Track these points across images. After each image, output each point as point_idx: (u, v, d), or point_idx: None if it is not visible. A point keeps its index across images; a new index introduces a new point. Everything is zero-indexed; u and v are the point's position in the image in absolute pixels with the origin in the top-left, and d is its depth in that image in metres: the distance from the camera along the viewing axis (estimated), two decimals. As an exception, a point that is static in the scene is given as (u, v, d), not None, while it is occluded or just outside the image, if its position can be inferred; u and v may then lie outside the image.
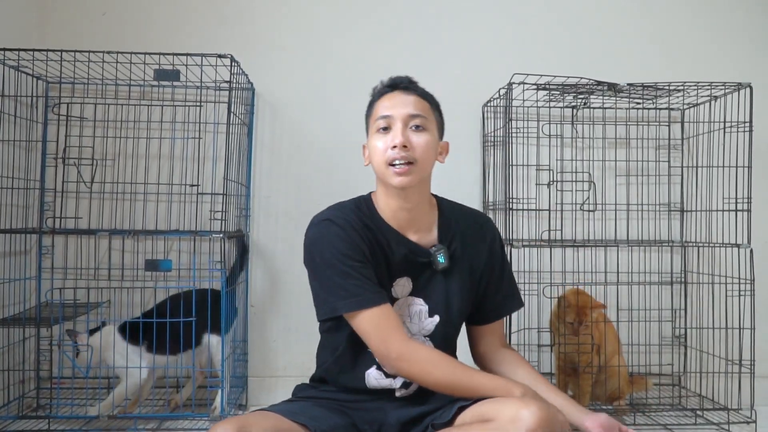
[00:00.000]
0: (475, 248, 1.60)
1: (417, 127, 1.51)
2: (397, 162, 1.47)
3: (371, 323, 1.44)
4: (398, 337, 1.43)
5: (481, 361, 1.67)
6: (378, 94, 1.58)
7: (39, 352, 2.40)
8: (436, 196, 1.66)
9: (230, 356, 2.35)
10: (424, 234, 1.58)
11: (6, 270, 2.26)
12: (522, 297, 1.74)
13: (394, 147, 1.47)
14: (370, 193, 1.62)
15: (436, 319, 1.56)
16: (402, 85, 1.56)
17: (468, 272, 1.59)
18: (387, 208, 1.56)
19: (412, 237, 1.56)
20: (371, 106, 1.59)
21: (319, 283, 1.50)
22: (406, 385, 1.55)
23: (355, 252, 1.48)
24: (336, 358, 1.58)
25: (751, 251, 2.30)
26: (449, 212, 1.63)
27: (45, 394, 2.39)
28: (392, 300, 1.54)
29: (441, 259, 1.54)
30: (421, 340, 1.55)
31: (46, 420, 2.13)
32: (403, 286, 1.56)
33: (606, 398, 2.34)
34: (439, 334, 1.56)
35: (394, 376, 1.54)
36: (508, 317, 2.24)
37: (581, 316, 2.19)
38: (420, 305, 1.55)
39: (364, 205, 1.58)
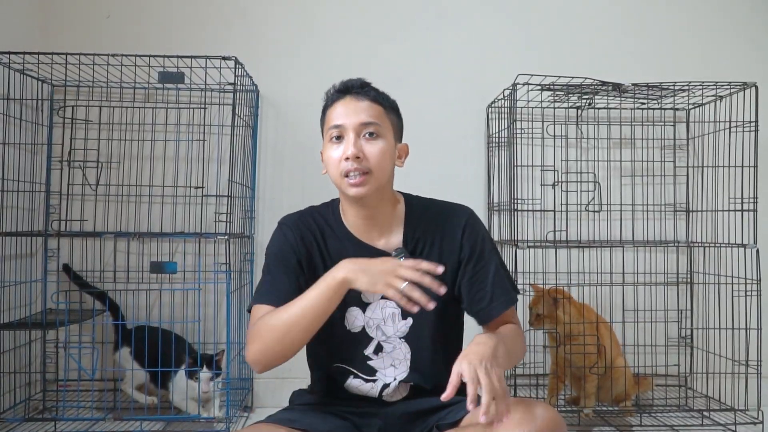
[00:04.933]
0: (446, 244, 1.54)
1: (371, 134, 1.46)
2: (351, 174, 1.45)
3: (251, 318, 1.46)
4: (249, 337, 1.43)
5: None
6: (329, 100, 1.52)
7: (45, 354, 2.41)
8: (405, 195, 1.61)
9: (235, 358, 2.36)
10: (390, 237, 1.54)
11: (12, 273, 2.27)
12: (513, 290, 1.56)
13: (347, 159, 1.44)
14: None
15: (410, 321, 1.53)
16: (354, 89, 1.50)
17: None
18: (349, 214, 1.54)
19: (377, 242, 1.53)
20: (324, 112, 1.54)
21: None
22: (384, 387, 1.53)
23: (285, 255, 1.51)
24: (317, 373, 1.59)
25: (758, 251, 2.29)
26: (419, 210, 1.57)
27: (51, 396, 2.40)
28: (364, 305, 1.53)
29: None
30: (397, 342, 1.53)
31: (52, 422, 2.14)
32: (372, 292, 1.51)
33: (612, 400, 2.34)
34: (413, 334, 1.53)
35: (374, 381, 1.53)
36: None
37: (535, 303, 2.27)
38: (393, 308, 1.52)
39: (330, 210, 1.58)
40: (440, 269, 1.35)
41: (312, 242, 1.52)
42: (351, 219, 1.54)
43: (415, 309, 1.34)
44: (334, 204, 1.60)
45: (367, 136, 1.46)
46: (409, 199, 1.61)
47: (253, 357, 1.41)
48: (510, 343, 1.43)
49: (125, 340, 2.27)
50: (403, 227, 1.55)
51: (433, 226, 1.55)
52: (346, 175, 1.45)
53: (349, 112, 1.47)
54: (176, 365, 2.16)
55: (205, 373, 2.12)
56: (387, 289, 1.33)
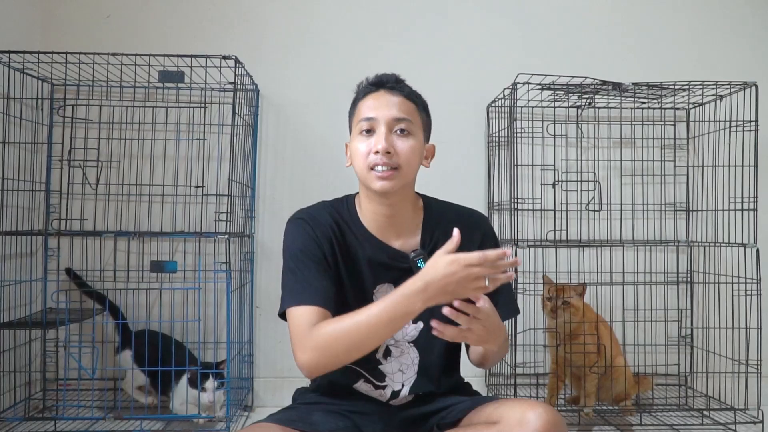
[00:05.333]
0: (464, 249, 1.47)
1: (402, 131, 1.43)
2: (379, 167, 1.42)
3: (293, 322, 1.40)
4: (303, 342, 1.36)
5: (477, 360, 1.59)
6: (362, 92, 1.50)
7: (45, 353, 2.41)
8: (424, 197, 1.59)
9: (235, 358, 2.36)
10: (407, 238, 1.52)
11: (12, 272, 2.27)
12: (517, 305, 1.63)
13: (377, 152, 1.42)
14: (356, 193, 1.57)
15: (420, 325, 1.51)
16: (388, 84, 1.48)
17: None
18: (367, 211, 1.51)
19: (394, 241, 1.51)
20: (355, 104, 1.52)
21: (282, 279, 1.48)
22: (395, 394, 1.53)
23: (312, 250, 1.45)
24: (323, 375, 1.56)
25: (758, 251, 2.29)
26: (437, 213, 1.56)
27: (51, 395, 2.40)
28: None
29: (420, 264, 1.45)
30: (406, 346, 1.52)
31: (52, 421, 2.14)
32: (385, 292, 1.49)
33: (612, 399, 2.34)
34: (423, 340, 1.52)
35: (383, 388, 1.52)
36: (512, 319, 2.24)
37: (559, 292, 2.24)
38: None
39: (345, 206, 1.55)
40: (508, 251, 1.27)
41: (331, 238, 1.48)
42: (368, 216, 1.51)
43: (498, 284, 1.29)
44: (348, 200, 1.56)
45: (398, 132, 1.44)
46: (427, 201, 1.59)
47: (310, 365, 1.35)
48: (505, 345, 1.48)
49: (127, 342, 2.28)
50: (420, 229, 1.54)
51: (449, 231, 1.49)
52: (373, 168, 1.43)
53: (381, 106, 1.45)
54: (176, 375, 2.17)
55: (210, 382, 2.12)
56: (477, 293, 1.28)
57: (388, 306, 1.30)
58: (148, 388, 2.30)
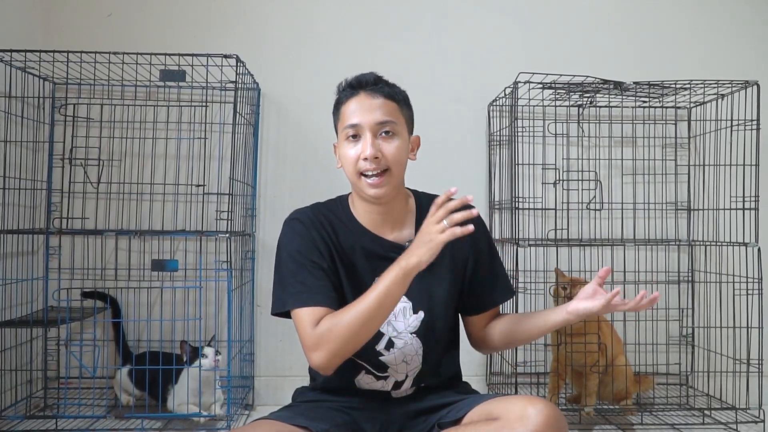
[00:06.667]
0: (456, 239, 1.54)
1: (387, 132, 1.47)
2: (369, 173, 1.46)
3: (299, 325, 1.44)
4: (310, 342, 1.40)
5: (478, 344, 1.66)
6: (343, 96, 1.54)
7: (46, 352, 2.41)
8: (414, 191, 1.64)
9: (236, 356, 2.36)
10: (401, 230, 1.56)
11: (13, 270, 2.27)
12: (512, 285, 1.69)
13: (366, 159, 1.45)
14: (349, 194, 1.61)
15: (421, 315, 1.54)
16: (368, 86, 1.51)
17: (449, 264, 1.55)
18: (361, 210, 1.55)
19: (389, 235, 1.55)
20: (337, 107, 1.55)
21: (278, 278, 1.51)
22: (397, 385, 1.54)
23: (311, 251, 1.48)
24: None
25: (759, 250, 2.29)
26: (428, 205, 1.56)
27: (52, 394, 2.41)
28: None
29: None
30: (408, 337, 1.53)
31: (53, 420, 2.14)
32: None
33: (612, 398, 2.34)
34: (424, 329, 1.54)
35: (385, 378, 1.54)
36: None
37: (575, 281, 2.24)
38: (403, 302, 1.53)
39: (339, 206, 1.59)
40: (453, 190, 1.37)
41: (325, 236, 1.52)
42: (362, 214, 1.55)
43: (471, 227, 1.33)
44: (341, 199, 1.61)
45: (383, 134, 1.47)
46: (417, 194, 1.63)
47: (325, 360, 1.39)
48: None
49: (127, 359, 2.29)
50: (414, 221, 1.58)
51: None
52: (363, 174, 1.46)
53: (364, 111, 1.47)
54: (175, 376, 2.18)
55: (209, 348, 2.14)
56: (444, 237, 1.33)
57: (386, 275, 1.36)
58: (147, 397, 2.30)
